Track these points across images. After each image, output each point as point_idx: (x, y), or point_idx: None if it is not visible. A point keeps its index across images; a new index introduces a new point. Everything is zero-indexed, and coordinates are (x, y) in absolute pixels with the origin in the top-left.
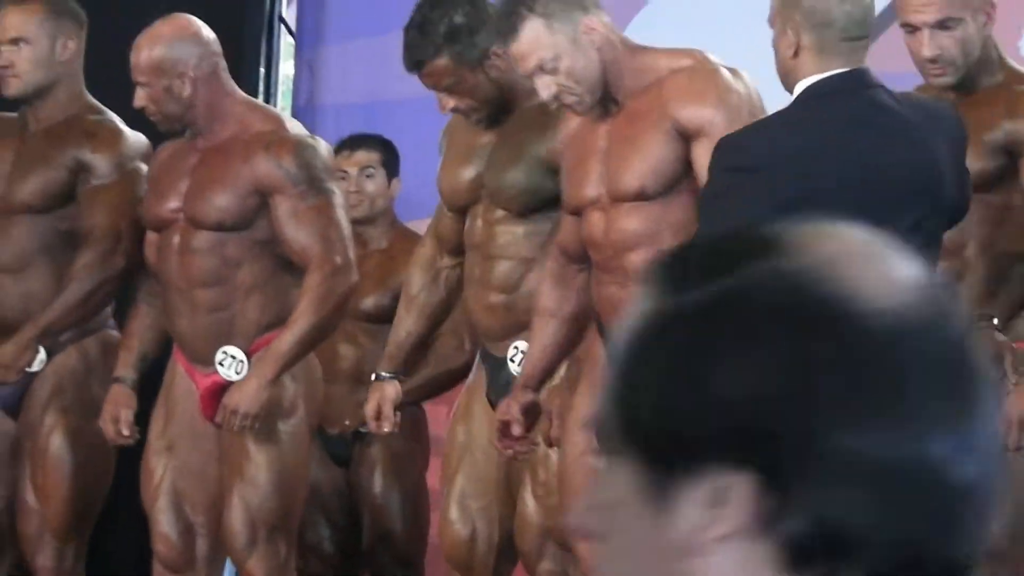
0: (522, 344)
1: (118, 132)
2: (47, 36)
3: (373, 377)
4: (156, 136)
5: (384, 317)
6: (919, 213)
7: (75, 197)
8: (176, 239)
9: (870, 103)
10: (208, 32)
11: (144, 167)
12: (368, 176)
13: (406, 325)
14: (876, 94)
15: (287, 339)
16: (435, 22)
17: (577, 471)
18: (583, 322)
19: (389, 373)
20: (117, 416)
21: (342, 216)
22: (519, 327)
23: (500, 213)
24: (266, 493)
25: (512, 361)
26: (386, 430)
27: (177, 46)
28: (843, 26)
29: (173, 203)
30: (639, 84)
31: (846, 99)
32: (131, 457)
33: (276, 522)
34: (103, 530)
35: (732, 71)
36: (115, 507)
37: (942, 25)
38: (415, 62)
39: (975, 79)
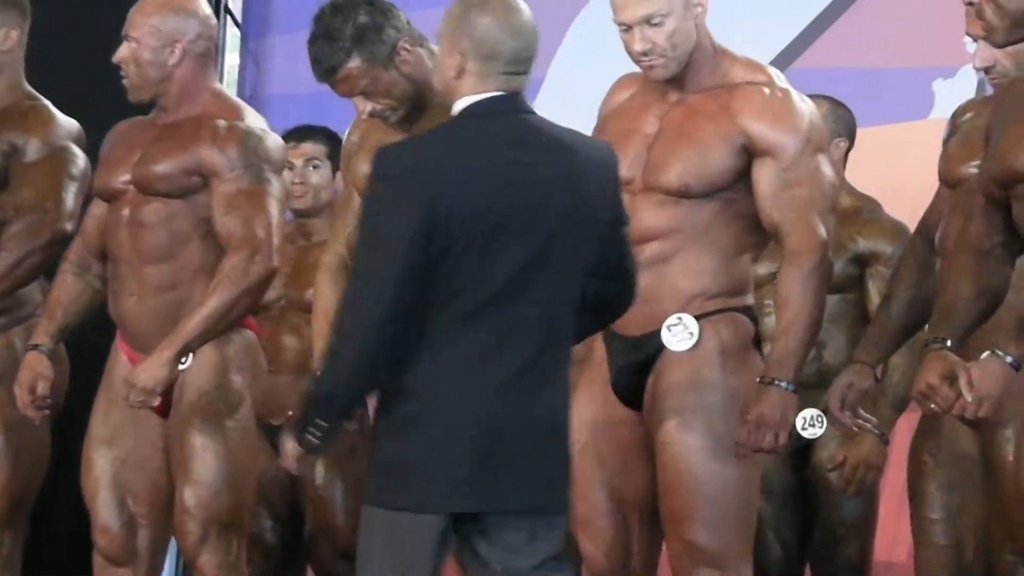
0: None
1: (50, 115)
2: None
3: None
4: (96, 123)
5: None
6: (565, 224)
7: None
8: (126, 211)
9: (524, 123)
10: (212, 16)
11: (76, 148)
12: (314, 168)
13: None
14: (530, 117)
15: (194, 318)
16: (340, 27)
17: (576, 470)
18: None
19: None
20: (34, 384)
21: (274, 206)
22: None
23: None
24: (216, 490)
25: None
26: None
27: (182, 16)
28: (507, 59)
29: (124, 175)
30: (709, 82)
31: (502, 118)
32: (68, 447)
33: (227, 519)
34: (40, 520)
35: (801, 96)
36: (52, 497)
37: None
38: (327, 69)
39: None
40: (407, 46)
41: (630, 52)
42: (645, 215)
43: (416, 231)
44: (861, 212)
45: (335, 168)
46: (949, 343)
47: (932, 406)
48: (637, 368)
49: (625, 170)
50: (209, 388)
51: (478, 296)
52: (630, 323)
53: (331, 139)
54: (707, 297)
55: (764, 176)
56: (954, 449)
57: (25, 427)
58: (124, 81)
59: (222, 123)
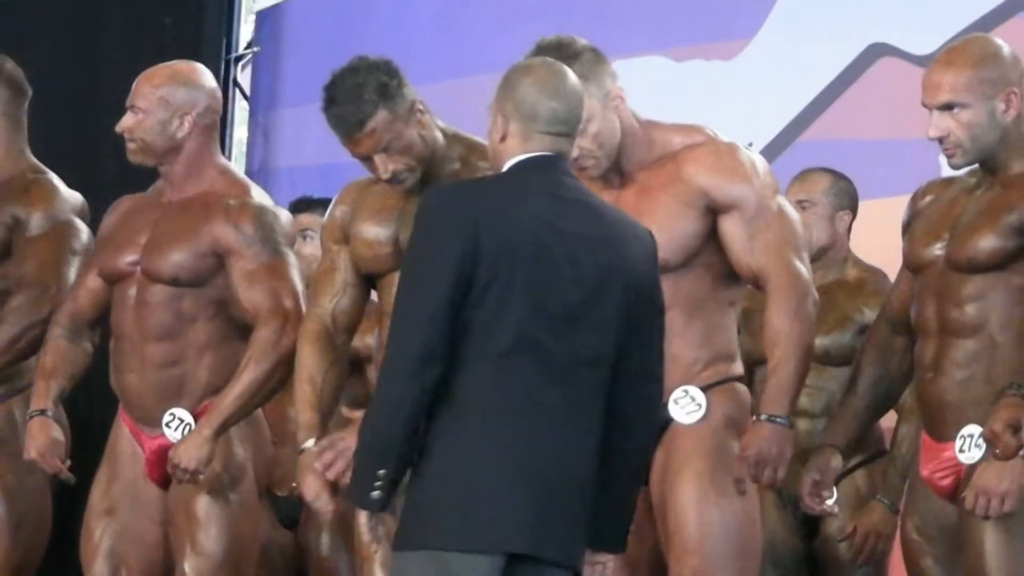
0: None
1: (53, 188)
2: None
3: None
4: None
5: None
6: (600, 285)
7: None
8: (132, 291)
9: (563, 182)
10: (218, 89)
11: (79, 222)
12: (306, 238)
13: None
14: (570, 179)
15: (231, 393)
16: (362, 83)
17: None
18: None
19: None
20: (49, 447)
21: (295, 276)
22: None
23: None
24: (217, 562)
25: None
26: None
27: (191, 87)
28: (547, 119)
29: (131, 256)
30: (648, 157)
31: (543, 175)
32: (69, 516)
33: None
34: None
35: (740, 145)
36: (53, 565)
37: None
38: (355, 124)
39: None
40: (421, 107)
41: None
42: None
43: (454, 264)
44: (866, 284)
45: None
46: None
47: (996, 452)
48: None
49: None
50: (212, 460)
51: (515, 335)
52: None
53: None
54: (705, 366)
55: (732, 229)
56: (940, 523)
57: (26, 496)
58: (129, 145)
59: (233, 201)
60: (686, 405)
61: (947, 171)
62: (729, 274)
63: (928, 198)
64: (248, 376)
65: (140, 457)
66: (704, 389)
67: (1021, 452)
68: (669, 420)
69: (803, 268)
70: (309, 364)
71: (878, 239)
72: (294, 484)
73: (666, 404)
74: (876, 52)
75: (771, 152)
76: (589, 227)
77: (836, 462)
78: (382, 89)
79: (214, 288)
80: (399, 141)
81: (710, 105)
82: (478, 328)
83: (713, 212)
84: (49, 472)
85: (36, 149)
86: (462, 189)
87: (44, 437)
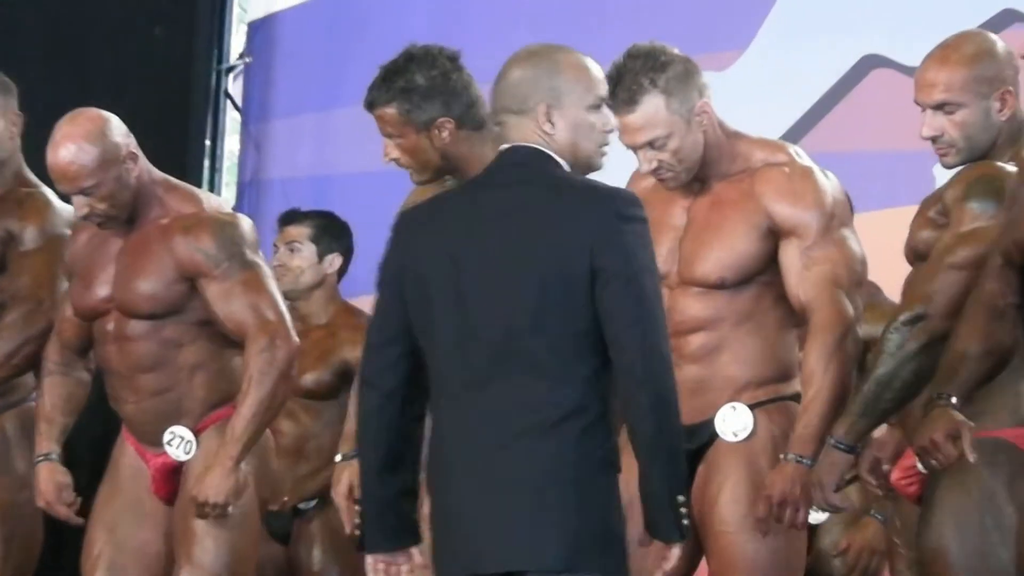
0: None
1: (46, 203)
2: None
3: (338, 458)
4: None
5: (324, 393)
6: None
7: (5, 268)
8: (111, 326)
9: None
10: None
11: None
12: (293, 250)
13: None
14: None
15: (239, 421)
16: (399, 74)
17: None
18: None
19: (354, 453)
20: (56, 496)
21: (272, 286)
22: None
23: None
24: (214, 575)
25: None
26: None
27: (107, 133)
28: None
29: (102, 291)
30: (730, 169)
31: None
32: (60, 531)
33: None
34: None
35: (823, 171)
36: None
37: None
38: (367, 101)
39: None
40: (449, 127)
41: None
42: (686, 307)
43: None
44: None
45: (324, 251)
46: (954, 400)
47: (933, 463)
48: (688, 457)
49: (661, 265)
50: (241, 492)
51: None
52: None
53: (319, 222)
54: (758, 385)
55: (789, 256)
56: (912, 529)
57: (16, 514)
58: (99, 222)
59: (188, 217)
60: (733, 423)
61: (942, 182)
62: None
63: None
64: (252, 399)
65: (144, 472)
66: (753, 407)
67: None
68: (714, 435)
69: (850, 308)
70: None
71: (873, 252)
72: (285, 498)
73: (712, 420)
74: (870, 63)
75: None
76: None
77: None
78: (407, 89)
79: (193, 312)
80: (404, 140)
81: None
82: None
83: (775, 235)
84: (60, 517)
85: (25, 161)
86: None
87: (51, 485)
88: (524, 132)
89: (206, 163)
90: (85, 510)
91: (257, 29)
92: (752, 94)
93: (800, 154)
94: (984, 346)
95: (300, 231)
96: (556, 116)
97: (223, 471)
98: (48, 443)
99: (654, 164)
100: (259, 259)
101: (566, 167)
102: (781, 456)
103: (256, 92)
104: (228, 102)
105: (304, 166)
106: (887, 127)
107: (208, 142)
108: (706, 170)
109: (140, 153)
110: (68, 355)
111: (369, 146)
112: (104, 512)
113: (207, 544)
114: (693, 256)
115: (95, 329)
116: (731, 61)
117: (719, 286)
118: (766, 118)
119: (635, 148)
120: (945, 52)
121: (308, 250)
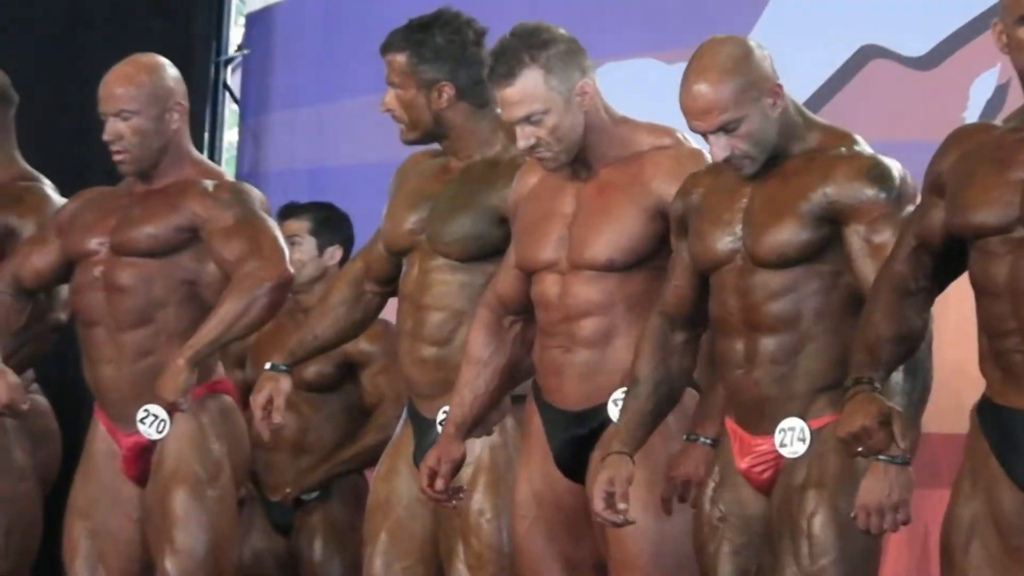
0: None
1: (45, 196)
2: None
3: (267, 366)
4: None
5: (326, 386)
6: None
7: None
8: (98, 272)
9: None
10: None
11: None
12: (292, 244)
13: (315, 329)
14: None
15: (206, 326)
16: (421, 28)
17: (527, 544)
18: (513, 373)
19: (286, 366)
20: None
21: (274, 228)
22: (449, 384)
23: (438, 261)
24: (199, 560)
25: (440, 425)
26: (277, 421)
27: (168, 77)
28: None
29: (98, 238)
30: (616, 154)
31: None
32: (60, 522)
33: None
34: None
35: (708, 154)
36: (44, 571)
37: (725, 128)
38: (384, 44)
39: (784, 150)
40: (449, 92)
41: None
42: (578, 291)
43: None
44: None
45: (324, 243)
46: (877, 384)
47: (860, 449)
48: (580, 442)
49: (550, 252)
50: (188, 456)
51: None
52: (571, 398)
53: (318, 215)
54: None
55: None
56: (745, 513)
57: (16, 503)
58: (120, 156)
59: (209, 182)
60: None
61: None
62: None
63: (699, 191)
64: (223, 308)
65: (116, 455)
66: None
67: (898, 458)
68: (606, 420)
69: None
70: (334, 294)
71: None
72: (288, 490)
73: (602, 405)
74: (868, 54)
75: None
76: None
77: (630, 471)
78: (421, 43)
79: (183, 268)
80: (403, 92)
81: None
82: None
83: (664, 218)
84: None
85: (22, 155)
86: None
87: (2, 386)
88: None
89: (204, 155)
90: (62, 496)
91: (255, 21)
92: None
93: (687, 138)
94: (899, 330)
95: (299, 225)
96: None
97: (175, 369)
98: None
99: (531, 141)
100: (267, 216)
101: None
102: (684, 437)
103: (254, 84)
104: (226, 94)
105: (303, 158)
106: (885, 117)
107: (206, 134)
108: (591, 154)
109: (186, 118)
110: (16, 287)
111: (368, 138)
112: (79, 498)
113: (189, 527)
114: (583, 240)
115: (80, 276)
116: None
117: (608, 268)
118: None
119: (513, 123)
120: (705, 74)
121: (308, 244)
